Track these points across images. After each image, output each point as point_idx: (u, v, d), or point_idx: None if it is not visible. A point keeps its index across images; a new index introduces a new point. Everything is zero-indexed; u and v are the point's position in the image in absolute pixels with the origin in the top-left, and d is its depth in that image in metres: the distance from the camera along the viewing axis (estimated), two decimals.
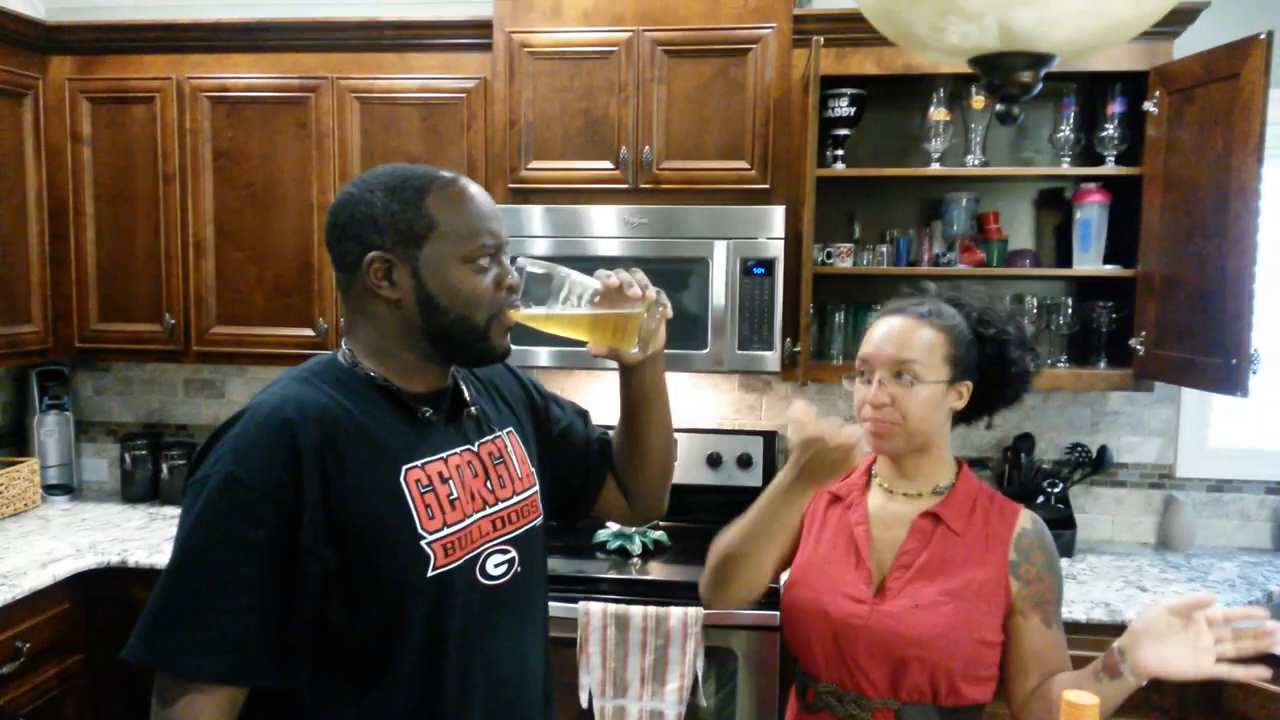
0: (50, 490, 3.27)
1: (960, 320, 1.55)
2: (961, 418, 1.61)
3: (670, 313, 1.38)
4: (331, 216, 1.29)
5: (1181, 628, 1.32)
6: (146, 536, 2.88)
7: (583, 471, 1.55)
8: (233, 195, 2.94)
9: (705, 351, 2.69)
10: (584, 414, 1.61)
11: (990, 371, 1.56)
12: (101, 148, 2.99)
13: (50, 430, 3.28)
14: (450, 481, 1.27)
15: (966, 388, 1.55)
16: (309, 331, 2.94)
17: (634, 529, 2.72)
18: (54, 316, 3.03)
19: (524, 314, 1.31)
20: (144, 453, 3.29)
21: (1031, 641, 1.49)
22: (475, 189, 1.30)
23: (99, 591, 2.67)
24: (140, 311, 3.02)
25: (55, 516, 3.09)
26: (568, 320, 1.33)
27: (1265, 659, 1.30)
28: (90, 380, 3.46)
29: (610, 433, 1.59)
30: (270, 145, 2.91)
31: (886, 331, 1.53)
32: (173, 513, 3.15)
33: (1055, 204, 2.92)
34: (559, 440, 1.53)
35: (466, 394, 1.38)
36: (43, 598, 2.49)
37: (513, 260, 1.32)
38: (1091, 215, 2.70)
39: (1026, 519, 1.56)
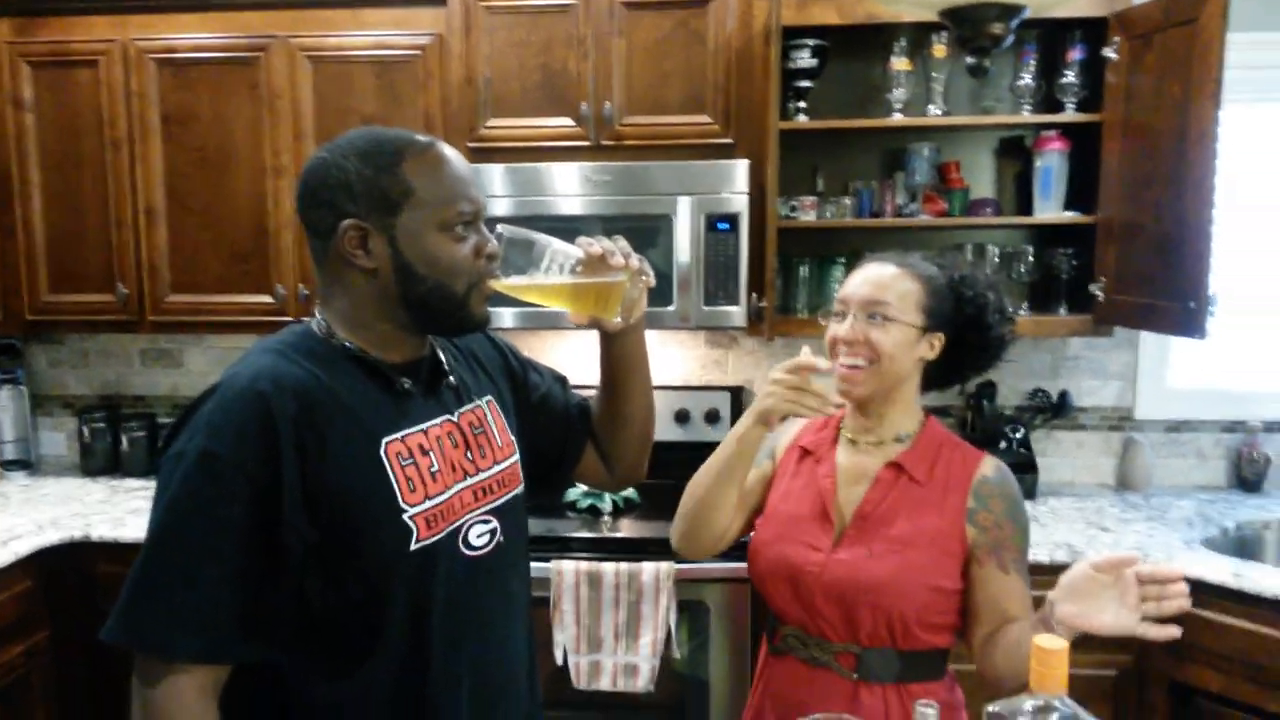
0: (7, 466, 3.20)
1: (939, 275, 1.58)
2: (935, 383, 1.64)
3: (653, 281, 1.37)
4: (303, 183, 1.25)
5: (1108, 584, 1.33)
6: (109, 510, 2.84)
7: (562, 438, 1.54)
8: (183, 160, 2.87)
9: (671, 308, 2.68)
10: (562, 380, 1.60)
11: (967, 335, 1.59)
12: (45, 113, 2.89)
13: (4, 405, 3.20)
14: (431, 453, 1.26)
15: (939, 340, 1.57)
16: (267, 298, 2.89)
17: None
18: (3, 289, 2.95)
19: (506, 284, 1.29)
20: (102, 425, 3.23)
21: (986, 588, 1.51)
22: (451, 153, 1.27)
23: (62, 567, 2.61)
24: (92, 282, 2.94)
25: (14, 493, 3.03)
26: (549, 290, 1.31)
27: (1178, 619, 1.35)
28: (44, 353, 3.38)
29: (589, 398, 1.58)
30: (221, 108, 2.83)
31: (865, 275, 1.58)
32: (134, 485, 3.11)
33: (1016, 152, 2.92)
34: (538, 407, 1.52)
35: (445, 363, 1.36)
36: (4, 576, 2.44)
37: (491, 228, 1.30)
38: (1052, 163, 2.71)
39: (989, 466, 1.58)
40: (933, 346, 1.57)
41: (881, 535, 1.53)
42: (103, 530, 2.65)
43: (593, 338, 1.46)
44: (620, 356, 1.46)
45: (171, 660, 1.12)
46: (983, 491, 1.55)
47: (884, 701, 1.51)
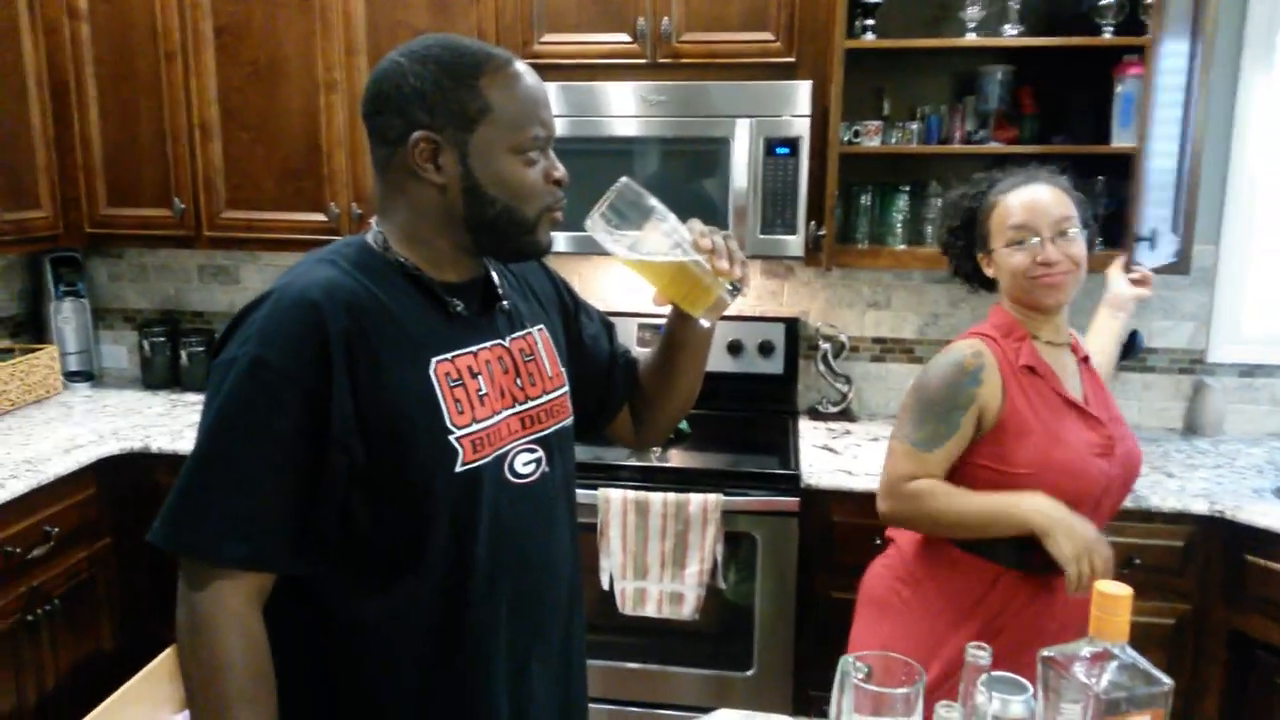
0: (71, 377, 3.27)
1: (1068, 182, 1.72)
2: None
3: (748, 291, 1.29)
4: (373, 86, 1.20)
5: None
6: (168, 423, 2.89)
7: (602, 388, 1.50)
8: (236, 73, 2.84)
9: None
10: (610, 327, 1.56)
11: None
12: (100, 24, 2.88)
13: (67, 317, 3.26)
14: (479, 376, 1.23)
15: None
16: (320, 216, 2.87)
17: None
18: (63, 201, 2.98)
19: (610, 245, 1.23)
20: (162, 339, 3.28)
21: None
22: (529, 72, 1.21)
23: (123, 476, 2.69)
24: (149, 196, 2.95)
25: (77, 403, 3.11)
26: (648, 265, 1.25)
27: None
28: (104, 267, 3.43)
29: (638, 358, 1.55)
30: (272, 19, 2.79)
31: (1038, 198, 1.67)
32: (193, 399, 3.16)
33: (1095, 77, 2.76)
34: (585, 350, 1.49)
35: (499, 286, 1.32)
36: (68, 483, 2.52)
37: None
38: (1133, 89, 2.56)
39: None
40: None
41: (1115, 414, 1.72)
42: (161, 442, 2.71)
43: None
44: (686, 338, 1.42)
45: (217, 565, 1.12)
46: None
47: None
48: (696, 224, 1.26)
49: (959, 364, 1.66)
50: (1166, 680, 1.06)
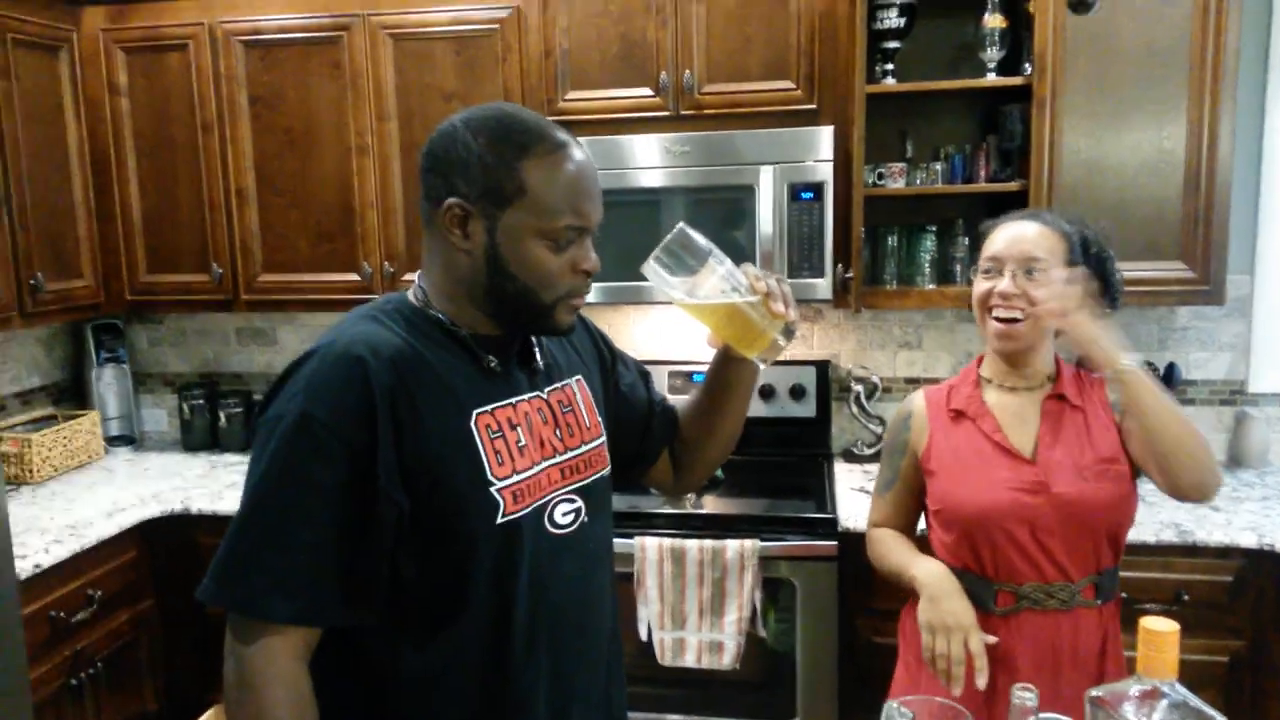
0: (112, 441, 3.33)
1: (1074, 230, 1.67)
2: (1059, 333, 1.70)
3: (797, 333, 1.31)
4: (429, 144, 1.23)
5: None
6: (208, 484, 2.93)
7: (640, 436, 1.51)
8: (271, 141, 2.92)
9: None
10: (646, 375, 1.57)
11: (1090, 282, 1.65)
12: (139, 98, 2.97)
13: (109, 383, 3.33)
14: (519, 428, 1.24)
15: (1103, 303, 1.66)
16: (354, 276, 2.92)
17: None
18: (104, 270, 3.05)
19: (664, 284, 1.25)
20: (201, 402, 3.34)
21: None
22: (581, 160, 1.22)
23: (165, 538, 2.72)
24: (188, 262, 3.02)
25: (119, 467, 3.15)
26: (704, 307, 1.27)
27: None
28: (144, 332, 3.50)
29: (679, 404, 1.56)
30: (305, 88, 2.87)
31: (1016, 233, 1.65)
32: (232, 460, 3.20)
33: None
34: (623, 400, 1.50)
35: (536, 339, 1.34)
36: (110, 546, 2.55)
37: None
38: None
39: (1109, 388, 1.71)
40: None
41: (1079, 459, 1.61)
42: (202, 504, 2.74)
43: (672, 316, 1.42)
44: (733, 379, 1.43)
45: (266, 621, 1.13)
46: (1114, 401, 1.68)
47: (1109, 613, 1.65)
48: (751, 268, 1.28)
49: (897, 414, 1.82)
50: (1220, 718, 1.04)
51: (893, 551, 1.74)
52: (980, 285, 1.67)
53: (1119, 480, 1.61)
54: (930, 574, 1.62)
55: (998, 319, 1.63)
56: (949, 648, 1.54)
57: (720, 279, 1.25)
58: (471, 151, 1.18)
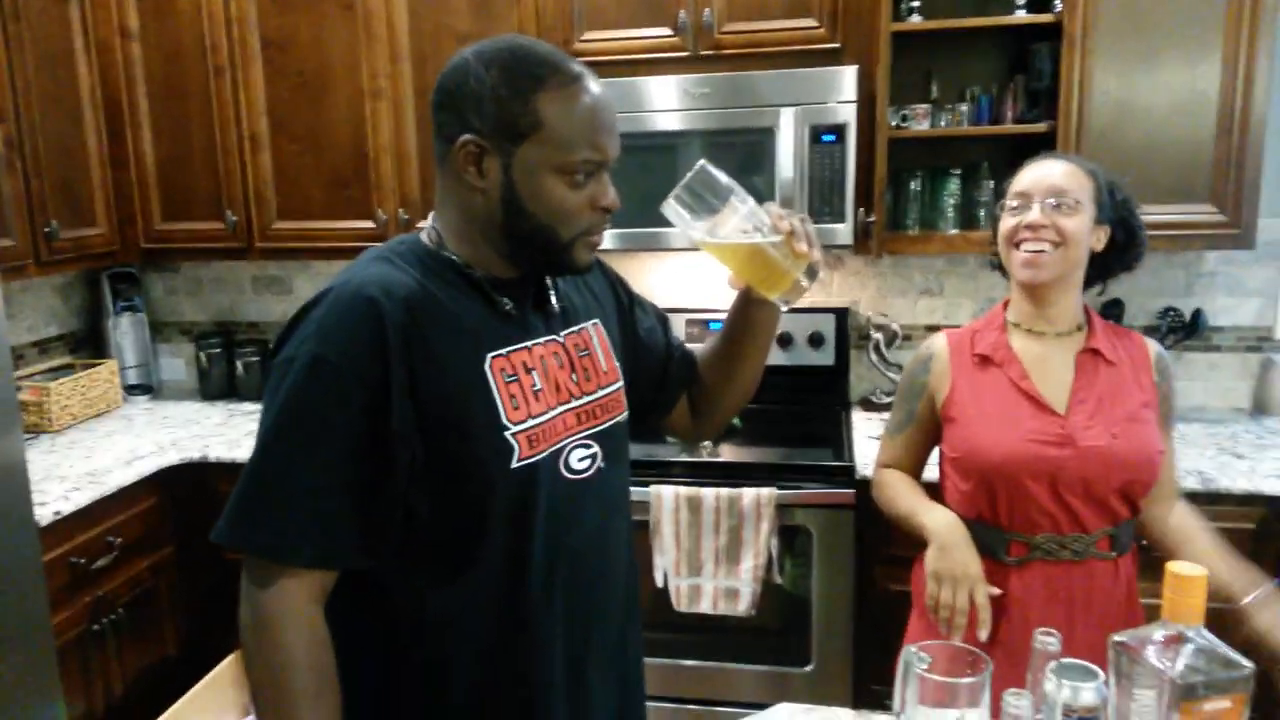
0: (131, 390, 3.34)
1: (1101, 173, 1.65)
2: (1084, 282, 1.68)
3: (822, 274, 1.27)
4: (440, 80, 1.20)
5: None
6: (226, 432, 2.94)
7: (658, 382, 1.49)
8: (284, 85, 2.88)
9: None
10: (665, 320, 1.55)
11: (1116, 234, 1.64)
12: (150, 42, 2.93)
13: (125, 332, 3.33)
14: (534, 372, 1.22)
15: (1105, 233, 1.63)
16: (369, 224, 2.90)
17: None
18: (118, 218, 3.03)
19: (684, 223, 1.23)
20: (218, 351, 3.34)
21: (1169, 455, 1.66)
22: (597, 92, 1.18)
23: (183, 486, 2.73)
24: (202, 209, 3.00)
25: (137, 415, 3.17)
26: (726, 247, 1.24)
27: None
28: (160, 281, 3.50)
29: (698, 349, 1.53)
30: (318, 30, 2.82)
31: (1044, 168, 1.63)
32: (250, 408, 3.21)
33: None
34: (641, 345, 1.47)
35: (552, 282, 1.31)
36: (129, 494, 2.56)
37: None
38: None
39: (1155, 345, 1.71)
40: (1100, 240, 1.63)
41: (1109, 417, 1.59)
42: (219, 451, 2.75)
43: (689, 263, 1.39)
44: (754, 322, 1.40)
45: (281, 563, 1.12)
46: (1161, 367, 1.68)
47: (1124, 570, 1.63)
48: (774, 206, 1.25)
49: (916, 357, 1.77)
50: (1247, 664, 1.02)
51: (902, 496, 1.73)
52: (1007, 220, 1.64)
53: (1146, 437, 1.59)
54: (941, 523, 1.61)
55: (1030, 250, 1.60)
56: (954, 598, 1.54)
57: (742, 218, 1.22)
58: (484, 85, 1.15)
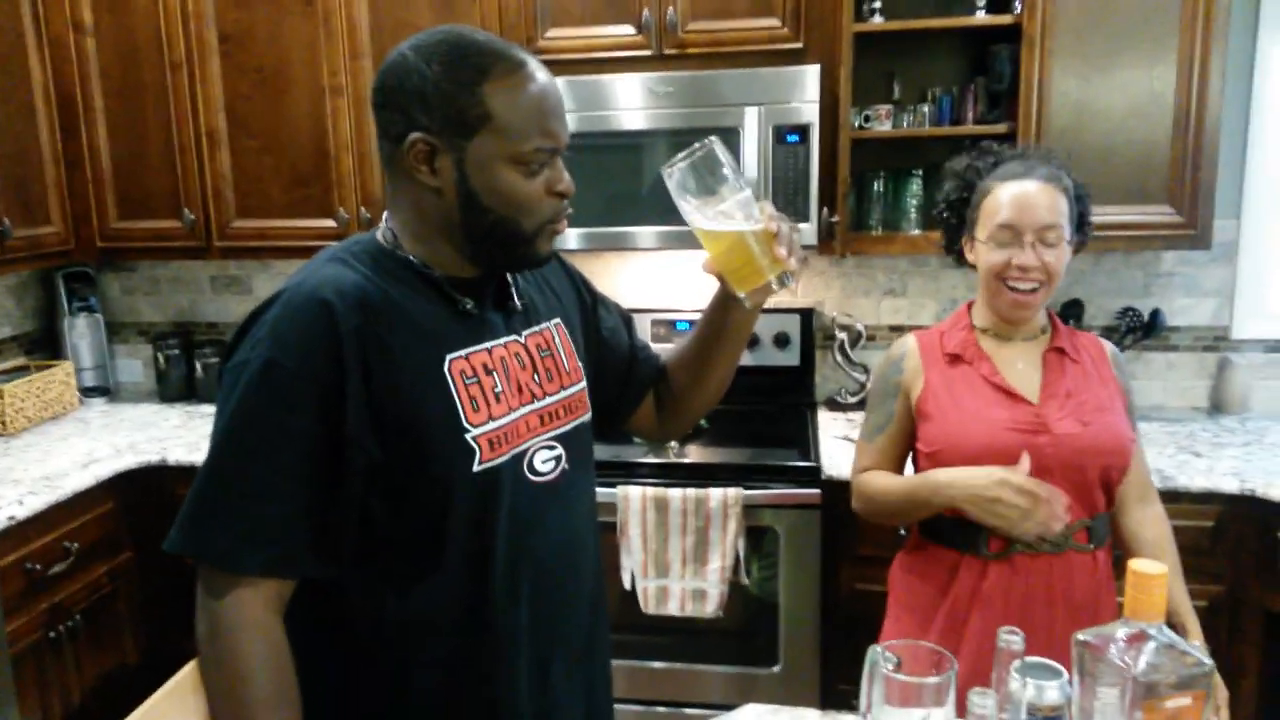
0: (87, 392, 3.27)
1: (1068, 180, 1.66)
2: None
3: (794, 285, 1.27)
4: (380, 79, 1.17)
5: None
6: (185, 435, 2.89)
7: (622, 381, 1.48)
8: (242, 82, 2.83)
9: None
10: (629, 320, 1.54)
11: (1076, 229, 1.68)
12: (105, 37, 2.87)
13: (82, 333, 3.27)
14: (495, 373, 1.21)
15: (1075, 243, 1.67)
16: (330, 222, 2.86)
17: None
18: (73, 216, 2.97)
19: (679, 196, 1.22)
20: (176, 352, 3.28)
21: (1138, 449, 1.70)
22: (543, 79, 1.17)
23: (141, 490, 2.68)
24: (159, 208, 2.95)
25: (93, 418, 3.11)
26: (708, 231, 1.23)
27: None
28: (117, 281, 3.43)
29: (668, 350, 1.52)
30: (276, 26, 2.78)
31: (1028, 197, 1.61)
32: (209, 410, 3.15)
33: None
34: (604, 344, 1.46)
35: (513, 281, 1.30)
36: (86, 498, 2.51)
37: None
38: None
39: (1108, 344, 1.76)
40: (1071, 252, 1.66)
41: (1079, 407, 1.62)
42: (178, 454, 2.70)
43: (656, 263, 1.38)
44: (728, 325, 1.38)
45: (236, 572, 1.10)
46: (1117, 363, 1.73)
47: (1101, 562, 1.65)
48: (768, 205, 1.23)
49: (886, 358, 1.79)
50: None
51: (895, 481, 1.71)
52: (994, 255, 1.62)
53: (1118, 425, 1.63)
54: (948, 480, 1.57)
55: (1017, 290, 1.61)
56: (1022, 501, 1.50)
57: (735, 206, 1.21)
58: (427, 80, 1.13)
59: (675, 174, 1.21)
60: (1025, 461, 1.52)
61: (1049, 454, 1.57)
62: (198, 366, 3.26)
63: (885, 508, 1.73)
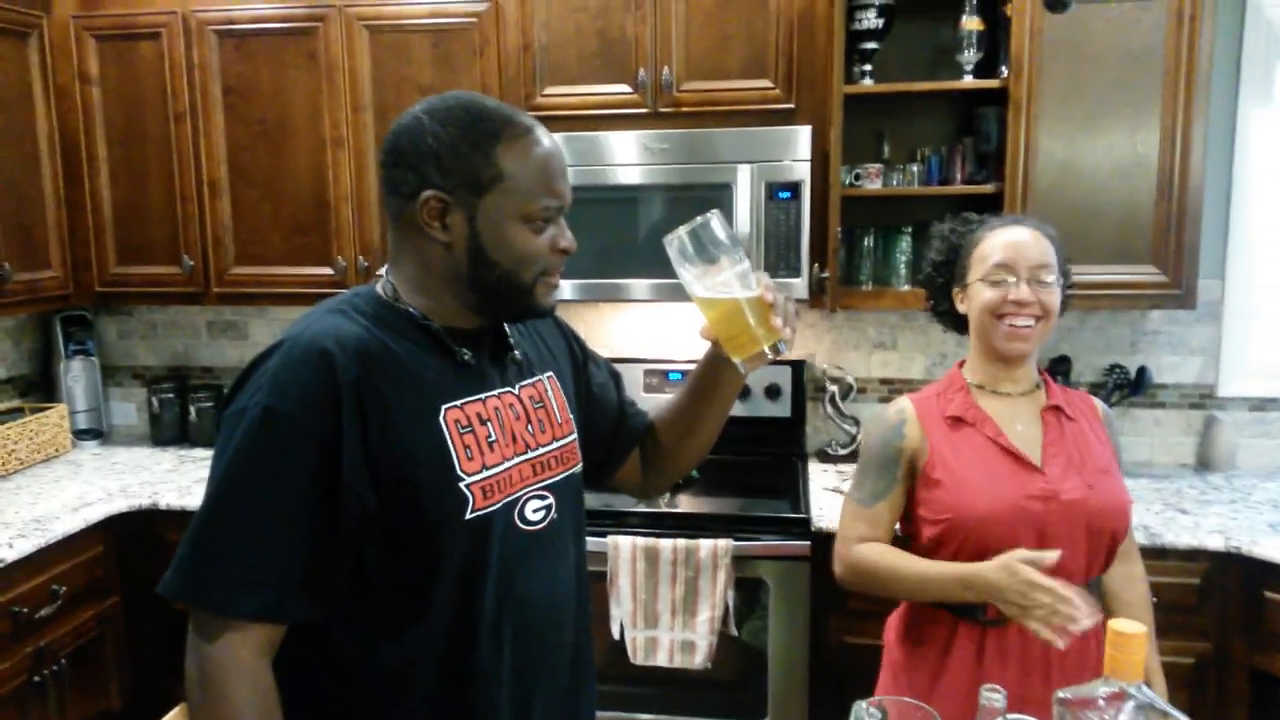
0: (80, 435, 3.28)
1: (1054, 233, 1.71)
2: None
3: (787, 354, 1.31)
4: (393, 139, 1.22)
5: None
6: (177, 479, 2.89)
7: (610, 437, 1.51)
8: (244, 133, 2.88)
9: None
10: (617, 377, 1.57)
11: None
12: (110, 87, 2.93)
13: (77, 376, 3.28)
14: (489, 423, 1.23)
15: (1063, 292, 1.70)
16: (328, 270, 2.90)
17: None
18: (73, 261, 3.01)
19: (679, 264, 1.26)
20: (171, 396, 3.30)
21: None
22: (550, 143, 1.23)
23: (132, 534, 2.68)
24: (158, 254, 2.99)
25: (86, 461, 3.11)
26: (708, 299, 1.27)
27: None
28: (114, 325, 3.45)
29: (657, 406, 1.55)
30: (280, 79, 2.84)
31: (1020, 240, 1.66)
32: (202, 455, 3.16)
33: None
34: (594, 400, 1.49)
35: (509, 335, 1.33)
36: (76, 541, 2.51)
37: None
38: None
39: (1098, 401, 1.78)
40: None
41: (1081, 468, 1.63)
42: (170, 499, 2.70)
43: (649, 315, 1.41)
44: (718, 383, 1.42)
45: (229, 617, 1.11)
46: (1108, 421, 1.75)
47: (1098, 626, 1.54)
48: (765, 276, 1.28)
49: (884, 422, 1.74)
50: (1183, 719, 1.04)
51: (908, 560, 1.64)
52: (989, 293, 1.65)
53: (1119, 488, 1.65)
54: (993, 572, 1.50)
55: (1014, 325, 1.63)
56: (1043, 599, 1.46)
57: (733, 276, 1.26)
58: (442, 142, 1.18)
59: (676, 243, 1.26)
60: (1053, 556, 1.48)
61: (1055, 522, 1.58)
62: (192, 411, 3.27)
63: (889, 588, 1.67)
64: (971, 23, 2.58)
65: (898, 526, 1.75)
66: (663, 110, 2.67)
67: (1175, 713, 1.04)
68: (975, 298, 1.68)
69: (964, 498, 1.62)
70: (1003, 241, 1.66)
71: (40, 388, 3.35)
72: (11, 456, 2.92)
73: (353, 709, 1.21)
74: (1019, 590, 1.47)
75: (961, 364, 1.77)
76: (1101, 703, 1.06)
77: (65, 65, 2.92)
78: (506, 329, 1.33)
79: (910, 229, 2.82)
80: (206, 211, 2.93)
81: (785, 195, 2.57)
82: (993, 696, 1.17)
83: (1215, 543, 2.28)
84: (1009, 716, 1.15)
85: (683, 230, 1.25)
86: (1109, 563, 1.66)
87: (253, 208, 2.92)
